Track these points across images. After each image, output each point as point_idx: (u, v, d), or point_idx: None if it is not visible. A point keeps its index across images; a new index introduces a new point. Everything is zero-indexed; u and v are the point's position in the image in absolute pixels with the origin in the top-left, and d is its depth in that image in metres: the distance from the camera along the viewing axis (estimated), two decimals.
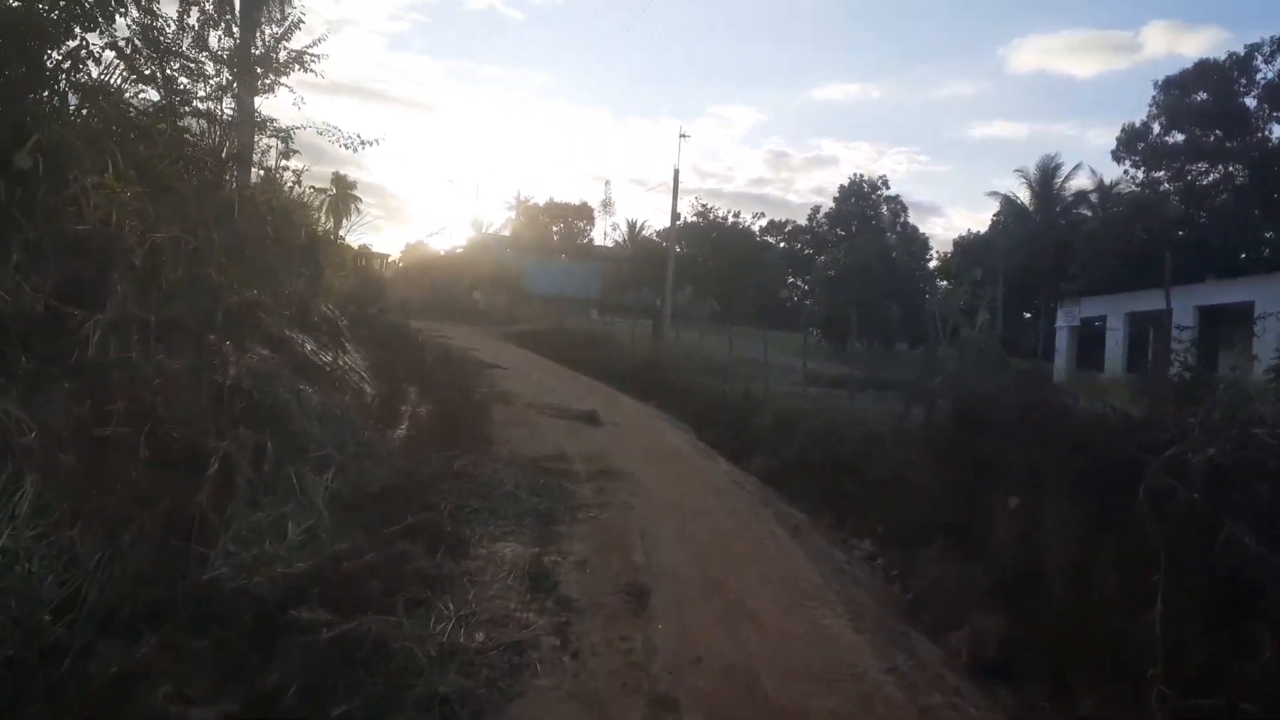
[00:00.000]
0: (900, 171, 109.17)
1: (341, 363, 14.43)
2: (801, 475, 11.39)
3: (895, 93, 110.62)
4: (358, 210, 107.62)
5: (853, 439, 11.72)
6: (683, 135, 22.92)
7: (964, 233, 60.41)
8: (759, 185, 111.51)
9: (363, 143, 14.57)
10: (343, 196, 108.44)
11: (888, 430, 10.34)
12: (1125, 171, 40.32)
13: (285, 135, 12.69)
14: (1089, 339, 30.86)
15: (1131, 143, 39.15)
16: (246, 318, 10.06)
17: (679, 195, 22.10)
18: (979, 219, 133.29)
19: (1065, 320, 31.47)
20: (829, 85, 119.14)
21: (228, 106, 12.44)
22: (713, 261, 42.72)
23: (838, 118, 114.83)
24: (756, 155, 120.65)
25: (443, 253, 55.36)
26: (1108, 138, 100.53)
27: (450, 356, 20.41)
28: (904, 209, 60.84)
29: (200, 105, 11.65)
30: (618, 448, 11.65)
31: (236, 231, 12.16)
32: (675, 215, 21.81)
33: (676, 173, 22.22)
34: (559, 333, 31.04)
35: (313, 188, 26.03)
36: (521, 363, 22.53)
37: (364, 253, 58.57)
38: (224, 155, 11.89)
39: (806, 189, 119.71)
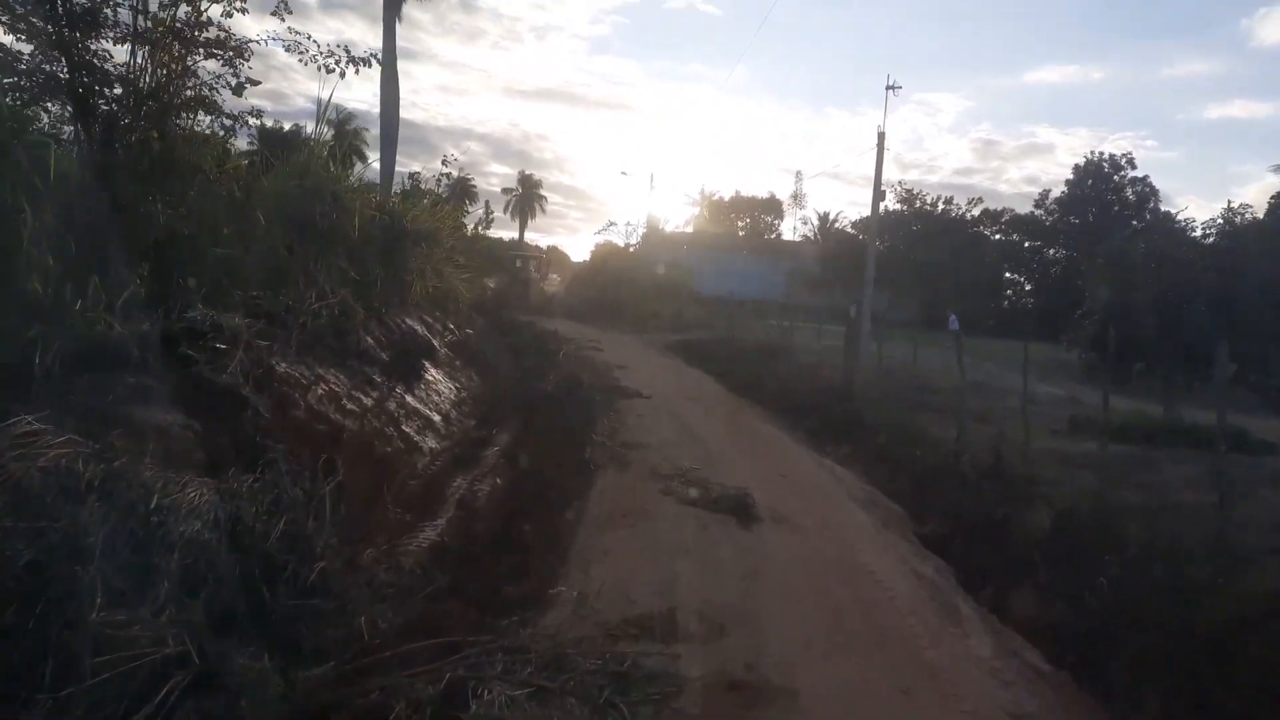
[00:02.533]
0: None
1: (395, 405, 10.17)
2: (1147, 670, 5.78)
3: (1118, 73, 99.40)
4: (542, 210, 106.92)
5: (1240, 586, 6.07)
6: (891, 87, 17.07)
7: (1212, 220, 49.13)
8: (965, 175, 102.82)
9: (351, 60, 10.15)
10: (528, 196, 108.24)
11: None
12: None
13: (233, 51, 8.35)
14: None
15: None
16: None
17: (883, 167, 16.35)
18: (1212, 208, 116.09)
19: None
20: (1044, 68, 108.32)
21: None
22: (921, 256, 35.90)
23: (1053, 102, 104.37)
24: (963, 144, 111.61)
25: (617, 250, 51.70)
26: None
27: (581, 382, 15.86)
28: (1154, 192, 50.51)
29: None
30: (779, 592, 6.48)
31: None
32: (879, 190, 16.23)
33: (881, 136, 16.57)
34: (728, 344, 25.92)
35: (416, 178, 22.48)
36: (672, 387, 17.62)
37: (524, 250, 56.18)
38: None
39: (1018, 178, 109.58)
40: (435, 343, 14.04)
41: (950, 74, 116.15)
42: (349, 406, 8.76)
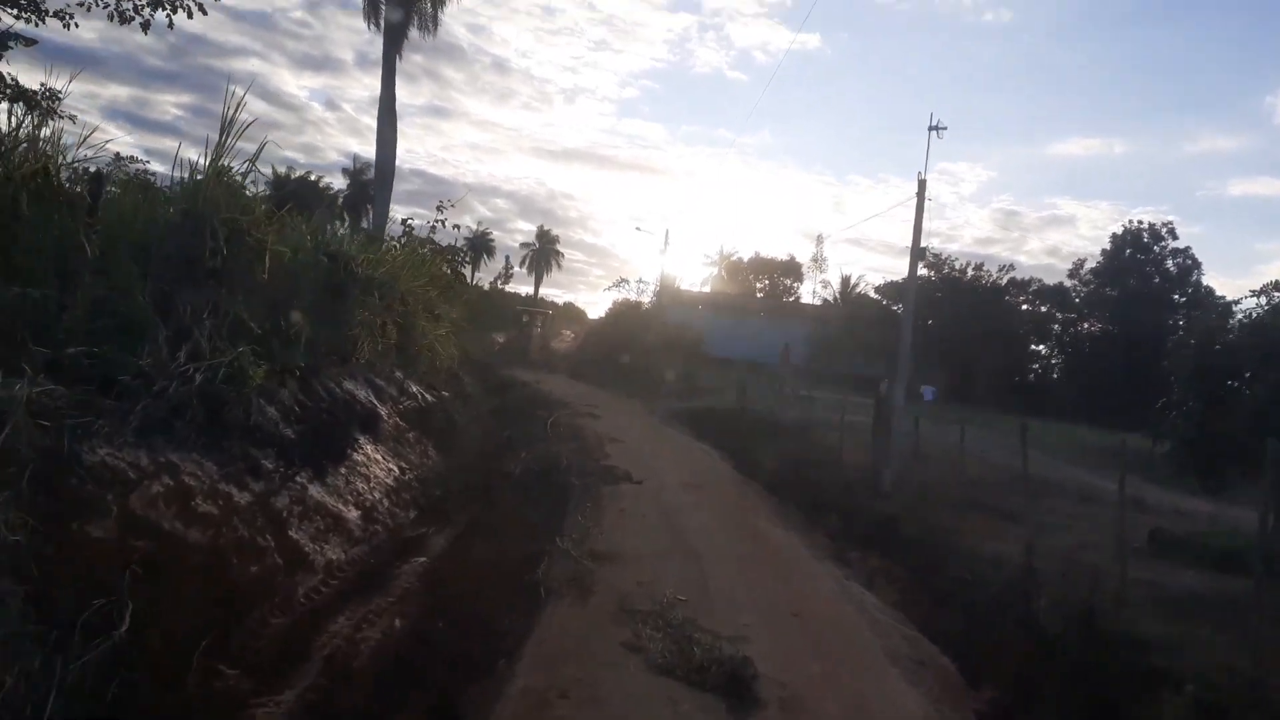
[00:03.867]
0: None
1: (288, 501, 7.76)
2: None
3: (1142, 147, 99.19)
4: (558, 265, 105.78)
5: None
6: (935, 128, 14.83)
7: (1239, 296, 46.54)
8: (985, 245, 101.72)
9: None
10: (545, 251, 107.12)
11: None
12: None
13: None
14: None
15: None
16: None
17: (923, 218, 14.03)
18: (1239, 285, 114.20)
19: None
20: (1067, 140, 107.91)
21: None
22: (952, 326, 33.39)
23: (1076, 174, 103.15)
24: (984, 214, 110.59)
25: (630, 308, 49.60)
26: None
27: (559, 462, 13.40)
28: (1196, 265, 47.76)
29: None
30: None
31: None
32: (918, 245, 13.93)
33: (923, 184, 14.30)
34: (739, 416, 23.44)
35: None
36: (671, 469, 15.11)
37: (533, 306, 54.17)
38: None
39: (1039, 249, 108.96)
40: (382, 411, 11.67)
41: (972, 144, 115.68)
42: (203, 508, 6.34)
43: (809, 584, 8.81)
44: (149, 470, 6.09)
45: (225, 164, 8.89)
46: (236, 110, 8.53)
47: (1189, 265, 47.51)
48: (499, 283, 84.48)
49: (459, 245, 24.34)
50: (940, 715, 6.14)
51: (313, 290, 10.55)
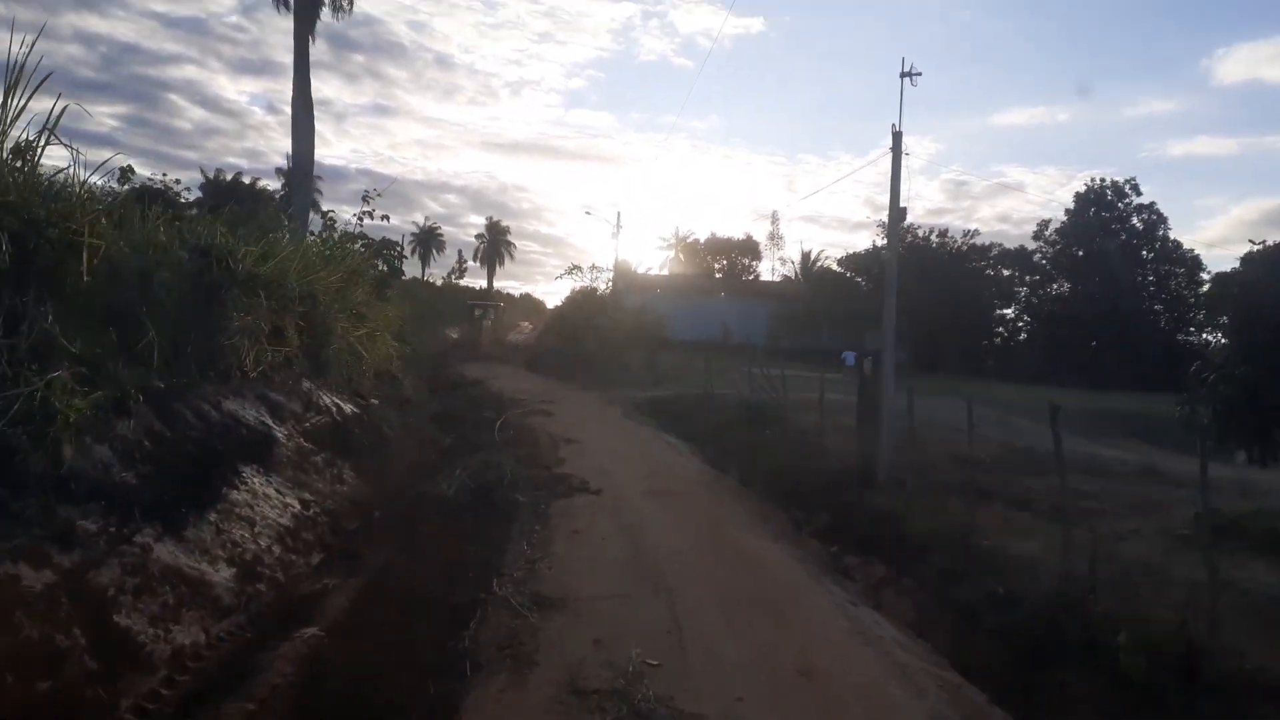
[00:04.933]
0: None
1: (116, 573, 5.78)
2: None
3: (1084, 114, 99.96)
4: (510, 256, 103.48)
5: None
6: (908, 74, 12.90)
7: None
8: (937, 215, 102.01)
9: None
10: (496, 243, 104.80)
11: None
12: None
13: None
14: None
15: None
16: None
17: (900, 173, 12.32)
18: (1189, 240, 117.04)
19: None
20: (1011, 110, 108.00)
21: None
22: (918, 295, 31.98)
23: (1021, 143, 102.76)
24: (934, 185, 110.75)
25: (588, 295, 47.58)
26: None
27: (503, 475, 11.51)
28: (1163, 220, 46.79)
29: None
30: None
31: None
32: (897, 204, 12.31)
33: (898, 136, 12.68)
34: (707, 403, 21.72)
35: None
36: (634, 472, 13.27)
37: (485, 299, 51.95)
38: None
39: (990, 216, 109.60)
40: (280, 432, 9.67)
41: (920, 118, 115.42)
42: None
43: (811, 620, 7.03)
44: None
45: (25, 140, 6.87)
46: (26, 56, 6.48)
47: (1155, 220, 46.66)
48: (453, 277, 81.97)
49: (405, 239, 22.09)
50: None
51: (176, 294, 8.52)
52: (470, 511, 9.97)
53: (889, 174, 13.00)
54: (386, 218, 23.37)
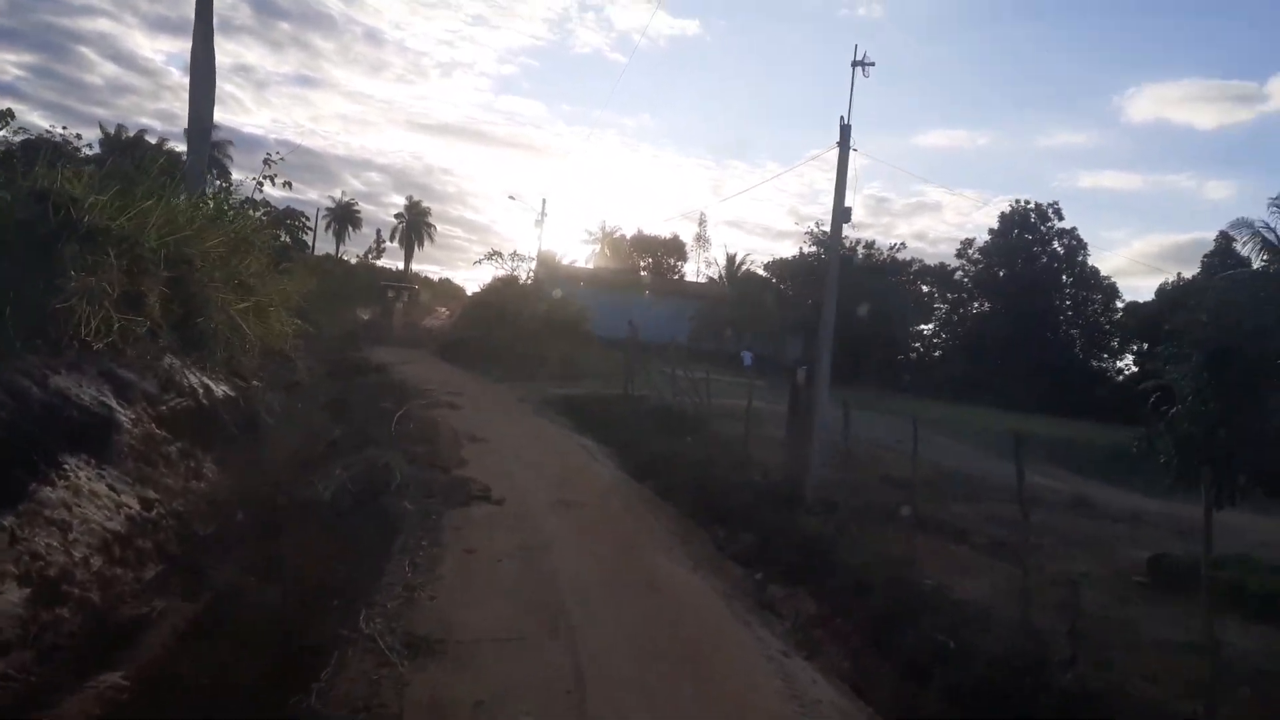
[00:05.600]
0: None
1: None
2: None
3: (1002, 140, 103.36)
4: (430, 238, 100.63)
5: None
6: (860, 63, 12.14)
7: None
8: (858, 230, 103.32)
9: None
10: (415, 224, 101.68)
11: None
12: None
13: None
14: None
15: None
16: None
17: (847, 168, 11.53)
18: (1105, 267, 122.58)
19: None
20: (933, 131, 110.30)
21: None
22: (844, 304, 31.49)
23: (941, 164, 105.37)
24: (855, 200, 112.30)
25: (509, 283, 45.95)
26: (1227, 191, 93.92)
27: (390, 478, 10.18)
28: (1083, 246, 47.87)
29: None
30: None
31: None
32: (841, 201, 11.64)
33: (846, 129, 11.87)
34: (623, 405, 20.65)
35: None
36: (543, 478, 12.10)
37: (399, 281, 49.85)
38: None
39: (907, 233, 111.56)
40: (125, 416, 8.16)
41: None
42: None
43: (739, 678, 5.99)
44: None
45: None
46: None
47: (1075, 245, 47.66)
48: (369, 257, 78.76)
49: (320, 214, 20.35)
50: None
51: None
52: (349, 520, 8.66)
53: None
54: (289, 184, 21.51)
